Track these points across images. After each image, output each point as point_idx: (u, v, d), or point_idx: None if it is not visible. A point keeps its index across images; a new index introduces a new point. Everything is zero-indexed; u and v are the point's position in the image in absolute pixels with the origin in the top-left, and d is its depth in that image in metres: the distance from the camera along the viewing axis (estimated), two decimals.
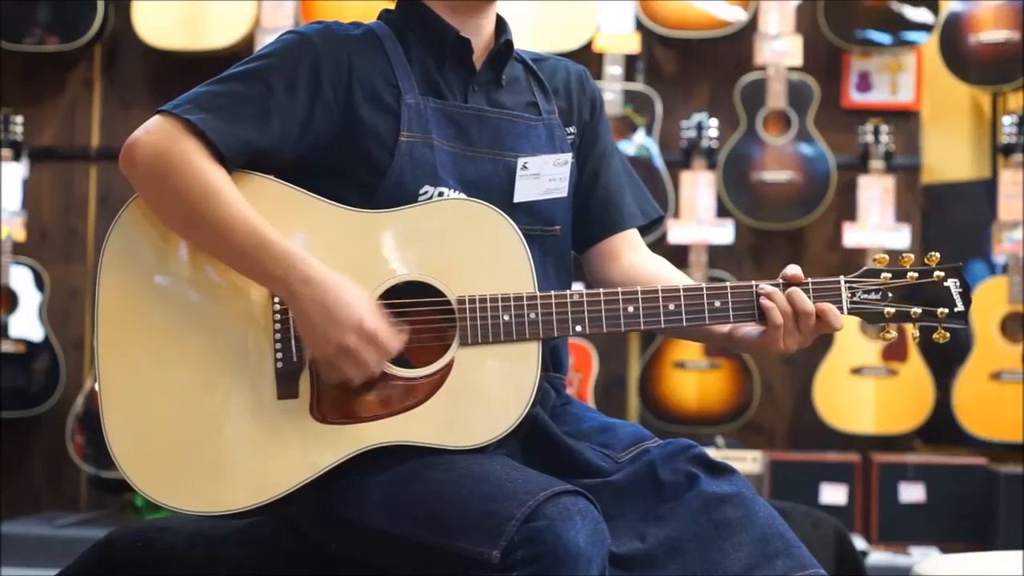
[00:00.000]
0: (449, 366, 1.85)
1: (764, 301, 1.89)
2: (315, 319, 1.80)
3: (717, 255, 4.86)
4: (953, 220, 4.95)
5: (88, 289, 5.08)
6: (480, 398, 1.84)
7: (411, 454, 1.83)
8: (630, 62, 4.91)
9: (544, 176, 2.00)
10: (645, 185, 2.23)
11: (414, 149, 1.93)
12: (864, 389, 4.67)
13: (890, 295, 1.93)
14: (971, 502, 4.47)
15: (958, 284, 1.93)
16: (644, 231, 2.18)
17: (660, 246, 4.65)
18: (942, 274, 1.93)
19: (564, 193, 2.03)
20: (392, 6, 2.07)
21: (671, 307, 1.90)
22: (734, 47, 4.96)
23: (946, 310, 1.92)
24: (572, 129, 2.09)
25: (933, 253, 1.94)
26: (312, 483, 1.83)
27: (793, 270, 1.92)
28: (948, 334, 1.92)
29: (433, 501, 1.77)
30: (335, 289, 1.80)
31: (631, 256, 2.12)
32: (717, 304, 1.90)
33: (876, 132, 4.73)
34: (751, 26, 4.86)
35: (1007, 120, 4.67)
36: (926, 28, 4.80)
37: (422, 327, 1.86)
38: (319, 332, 1.80)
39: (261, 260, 1.81)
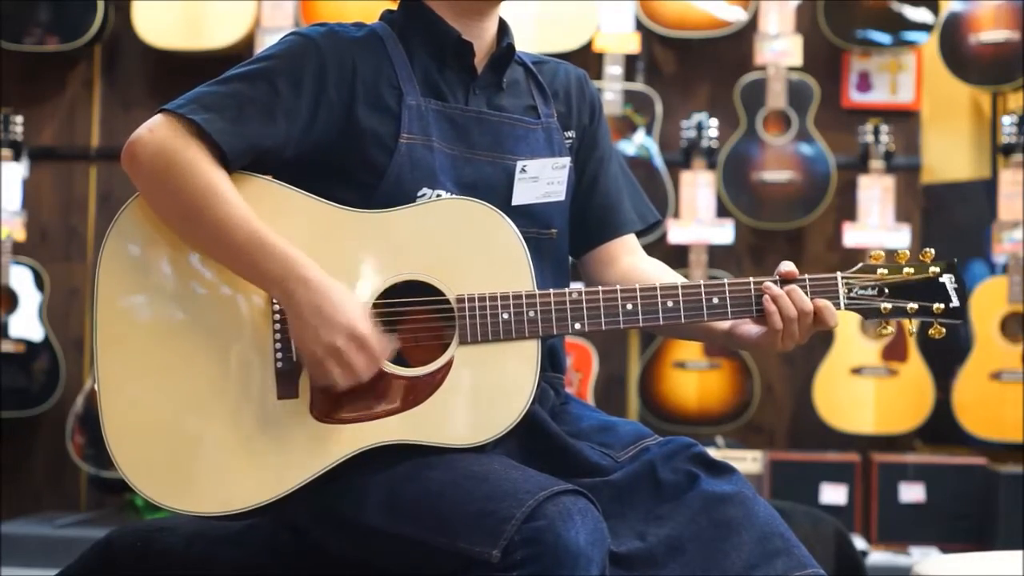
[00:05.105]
0: (448, 365, 1.85)
1: (768, 305, 1.89)
2: (308, 320, 1.80)
3: (717, 255, 4.86)
4: (953, 220, 4.95)
5: (88, 289, 5.08)
6: (480, 396, 1.84)
7: (411, 453, 1.83)
8: (630, 62, 4.91)
9: (542, 179, 2.00)
10: (645, 185, 2.23)
11: (414, 151, 1.93)
12: (864, 389, 4.67)
13: (886, 291, 1.93)
14: (971, 502, 4.47)
15: (953, 280, 1.94)
16: (642, 234, 2.18)
17: (660, 246, 4.65)
18: (938, 270, 1.94)
19: (562, 197, 2.03)
20: (394, 6, 2.07)
21: (669, 304, 1.90)
22: (734, 47, 4.96)
23: (942, 306, 1.93)
24: (571, 133, 2.09)
25: (928, 249, 1.94)
26: (312, 483, 1.83)
27: (788, 266, 1.92)
28: (944, 329, 1.93)
29: (433, 501, 1.77)
30: (331, 292, 1.80)
31: (629, 260, 2.13)
32: (715, 301, 1.90)
33: (876, 132, 4.73)
34: (751, 26, 4.86)
35: (1007, 120, 4.67)
36: (926, 28, 4.80)
37: (421, 326, 1.86)
38: (311, 332, 1.80)
39: (259, 260, 1.81)
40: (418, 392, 1.84)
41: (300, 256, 1.82)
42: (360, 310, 1.82)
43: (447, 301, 1.87)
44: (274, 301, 1.86)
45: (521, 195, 1.99)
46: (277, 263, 1.81)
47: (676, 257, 4.66)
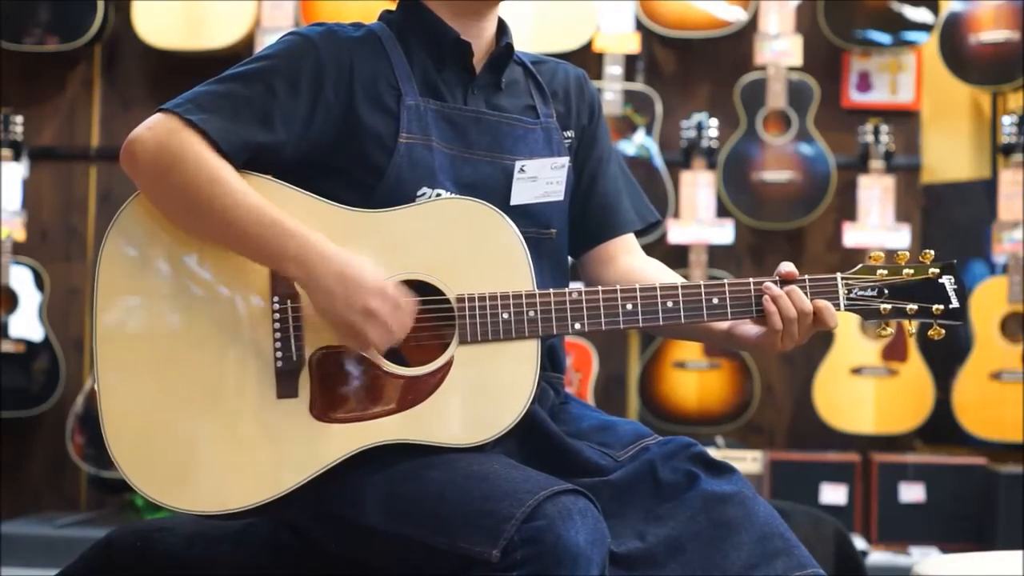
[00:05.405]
0: (448, 364, 1.85)
1: (768, 305, 1.89)
2: (335, 289, 1.80)
3: (717, 255, 4.86)
4: (953, 220, 4.95)
5: (88, 289, 5.08)
6: (479, 396, 1.84)
7: (410, 453, 1.83)
8: (630, 62, 4.91)
9: (541, 179, 2.00)
10: (645, 185, 2.23)
11: (413, 151, 1.93)
12: (864, 389, 4.67)
13: (886, 292, 1.94)
14: (971, 502, 4.48)
15: (953, 281, 1.94)
16: (641, 234, 2.18)
17: (660, 246, 4.65)
18: (937, 271, 1.94)
19: (561, 196, 2.03)
20: (393, 6, 2.07)
21: (669, 304, 1.90)
22: (734, 47, 4.96)
23: (941, 307, 1.93)
24: (570, 133, 2.09)
25: (928, 251, 1.95)
26: (311, 482, 1.83)
27: (788, 267, 1.92)
28: (943, 331, 1.94)
29: (433, 501, 1.77)
30: (352, 260, 1.82)
31: (627, 260, 2.13)
32: (715, 301, 1.90)
33: (876, 132, 4.73)
34: (751, 26, 4.86)
35: (1007, 120, 4.67)
36: (926, 28, 4.80)
37: (421, 325, 1.86)
38: (340, 300, 1.80)
39: (274, 240, 1.82)
40: (418, 392, 1.84)
41: (314, 232, 1.82)
42: (382, 275, 1.82)
43: (447, 301, 1.87)
44: (274, 300, 1.86)
45: (520, 195, 1.99)
46: (293, 240, 1.81)
47: (676, 257, 4.66)
